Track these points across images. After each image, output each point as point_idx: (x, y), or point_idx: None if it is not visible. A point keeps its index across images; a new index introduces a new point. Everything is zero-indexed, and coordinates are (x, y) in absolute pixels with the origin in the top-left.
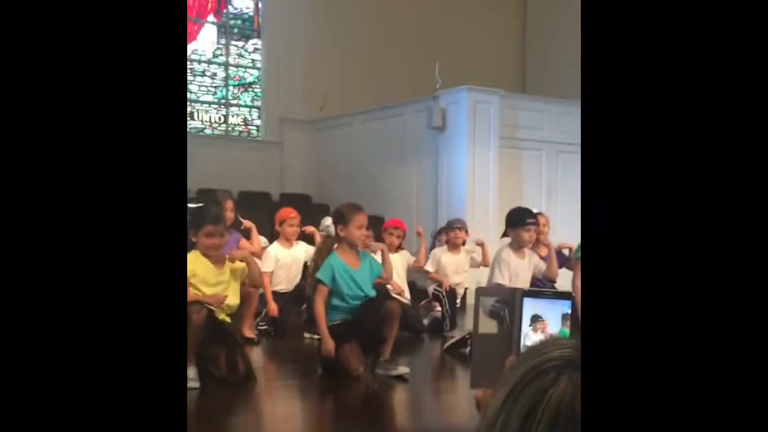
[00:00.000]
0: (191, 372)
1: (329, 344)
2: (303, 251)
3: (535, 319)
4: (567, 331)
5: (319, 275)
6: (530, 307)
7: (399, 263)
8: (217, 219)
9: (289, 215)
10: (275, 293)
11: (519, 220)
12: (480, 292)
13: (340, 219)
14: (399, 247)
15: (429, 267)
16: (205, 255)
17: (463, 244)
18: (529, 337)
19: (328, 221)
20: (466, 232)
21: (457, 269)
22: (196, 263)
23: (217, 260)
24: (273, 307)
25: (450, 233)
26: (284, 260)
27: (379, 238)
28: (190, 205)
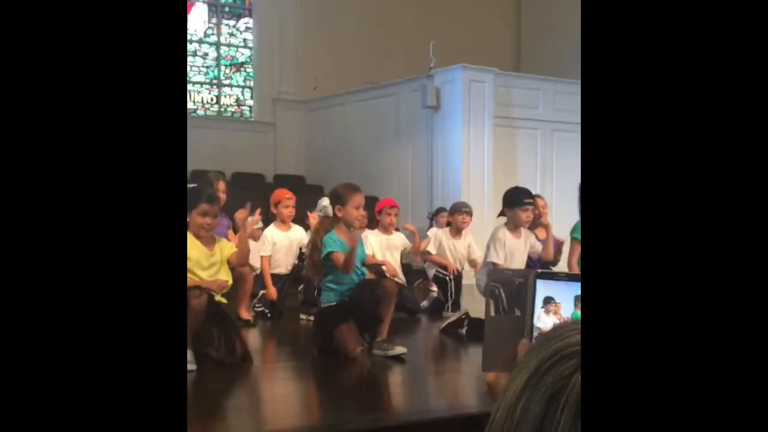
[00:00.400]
0: (188, 354)
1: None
2: (299, 233)
3: (548, 301)
4: (579, 313)
5: (328, 249)
6: (543, 289)
7: (394, 244)
8: (212, 199)
9: (284, 196)
10: (273, 276)
11: (517, 200)
12: (493, 274)
13: (338, 199)
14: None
15: (431, 249)
16: (196, 235)
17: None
18: (542, 319)
19: (325, 202)
20: (471, 216)
21: (460, 255)
22: (188, 245)
23: (208, 241)
24: (272, 291)
25: (457, 216)
26: (281, 243)
27: (373, 219)
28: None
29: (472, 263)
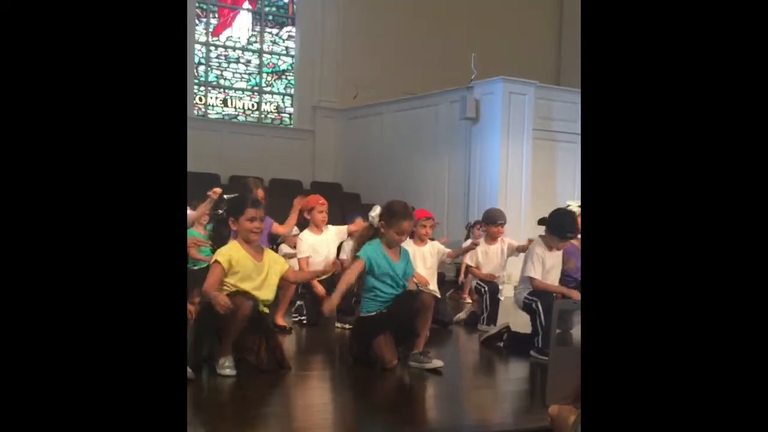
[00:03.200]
0: (227, 360)
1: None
2: (334, 234)
3: None
4: None
5: (359, 253)
6: None
7: (428, 255)
8: (257, 203)
9: (318, 202)
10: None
11: (561, 231)
12: (560, 305)
13: (388, 217)
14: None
15: (470, 261)
16: (247, 240)
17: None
18: None
19: (376, 211)
20: (504, 225)
21: (498, 263)
22: (234, 252)
23: (257, 249)
24: (320, 289)
25: (492, 228)
26: (319, 246)
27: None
28: (225, 195)
29: (521, 248)
